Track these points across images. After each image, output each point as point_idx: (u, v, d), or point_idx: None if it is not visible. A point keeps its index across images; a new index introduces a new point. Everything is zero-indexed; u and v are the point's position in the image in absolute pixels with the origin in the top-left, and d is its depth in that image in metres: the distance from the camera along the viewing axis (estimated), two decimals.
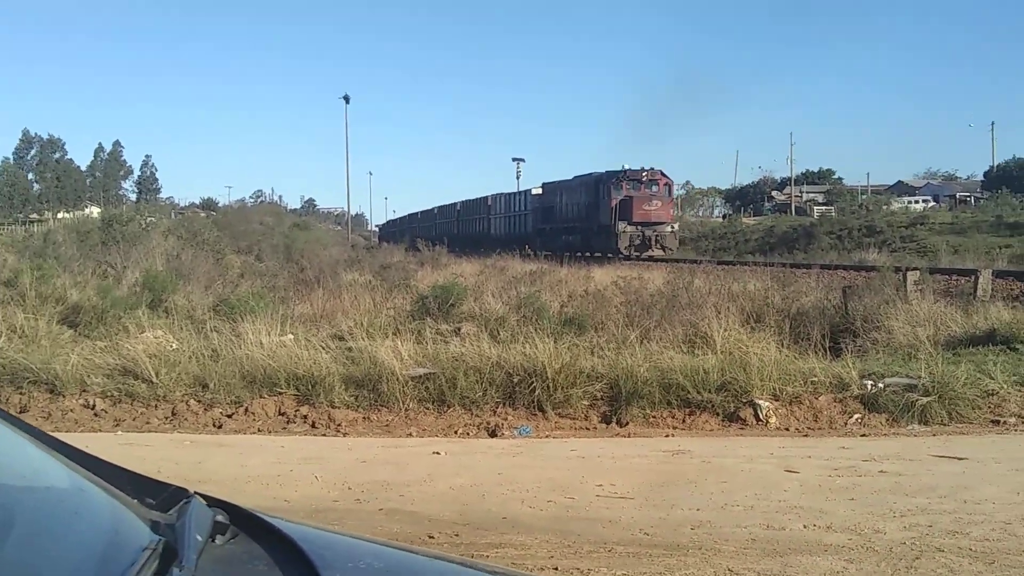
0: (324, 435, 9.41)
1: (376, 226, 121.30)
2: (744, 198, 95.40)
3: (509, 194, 57.59)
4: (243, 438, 9.23)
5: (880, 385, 9.70)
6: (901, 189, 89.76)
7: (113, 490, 1.88)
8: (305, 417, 9.84)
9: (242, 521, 1.92)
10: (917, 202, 74.54)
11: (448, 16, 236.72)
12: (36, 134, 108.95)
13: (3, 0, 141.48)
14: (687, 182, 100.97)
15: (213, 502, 1.97)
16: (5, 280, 18.65)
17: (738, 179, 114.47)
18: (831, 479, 7.03)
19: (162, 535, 1.72)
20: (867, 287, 16.36)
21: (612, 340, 11.63)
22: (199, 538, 1.72)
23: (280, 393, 10.16)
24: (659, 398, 9.64)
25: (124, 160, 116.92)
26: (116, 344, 11.46)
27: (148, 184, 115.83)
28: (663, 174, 41.30)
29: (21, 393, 10.32)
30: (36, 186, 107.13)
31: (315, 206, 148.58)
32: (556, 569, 5.11)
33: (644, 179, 40.68)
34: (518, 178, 71.33)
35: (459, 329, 13.20)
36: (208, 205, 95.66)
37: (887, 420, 9.27)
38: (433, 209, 76.73)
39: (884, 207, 64.65)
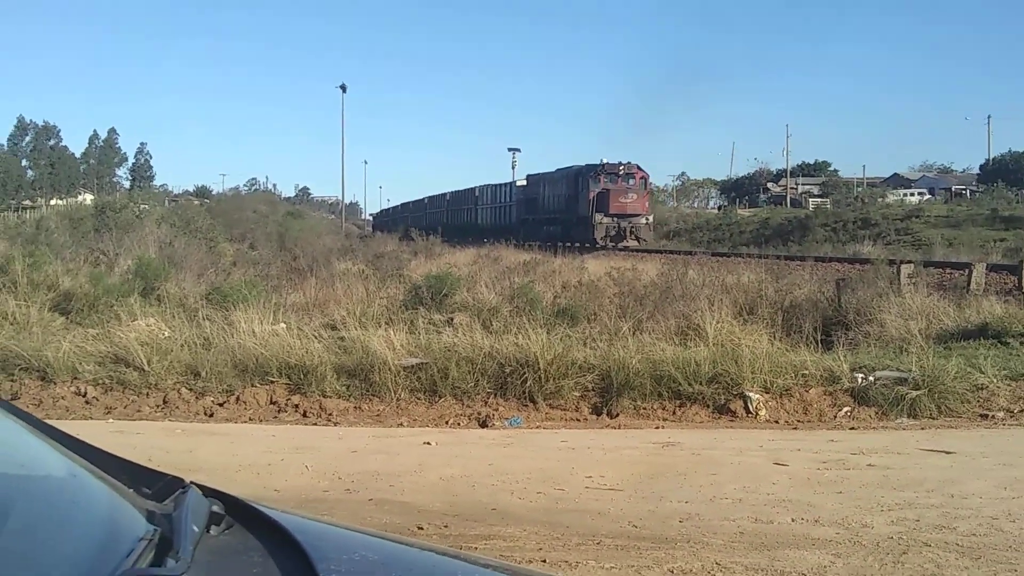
0: (315, 424, 9.43)
1: (370, 215, 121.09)
2: (740, 190, 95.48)
3: (495, 185, 58.62)
4: (234, 427, 9.25)
5: (870, 378, 9.74)
6: (897, 182, 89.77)
7: (110, 479, 1.90)
8: (296, 406, 9.86)
9: (237, 511, 1.94)
10: (912, 195, 74.68)
11: (445, 5, 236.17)
12: (31, 121, 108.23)
13: None
14: (683, 173, 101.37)
15: (208, 492, 1.99)
16: None
17: (734, 171, 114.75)
18: (820, 472, 7.07)
19: (158, 525, 1.74)
20: (861, 280, 16.37)
21: (605, 331, 11.66)
22: (195, 529, 1.73)
23: (272, 382, 10.17)
24: (650, 390, 9.67)
25: (119, 147, 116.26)
26: (108, 332, 11.45)
27: (142, 172, 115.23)
28: (639, 168, 43.04)
29: (12, 380, 10.31)
30: (30, 173, 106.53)
31: (309, 195, 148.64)
32: (544, 561, 5.13)
33: (621, 172, 42.42)
34: (513, 168, 71.12)
35: (452, 319, 13.22)
36: (202, 193, 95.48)
37: (876, 413, 9.31)
38: (424, 199, 77.39)
39: (879, 200, 64.88)
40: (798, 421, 9.29)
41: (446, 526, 5.82)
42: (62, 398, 10.02)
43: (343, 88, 66.20)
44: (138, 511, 1.83)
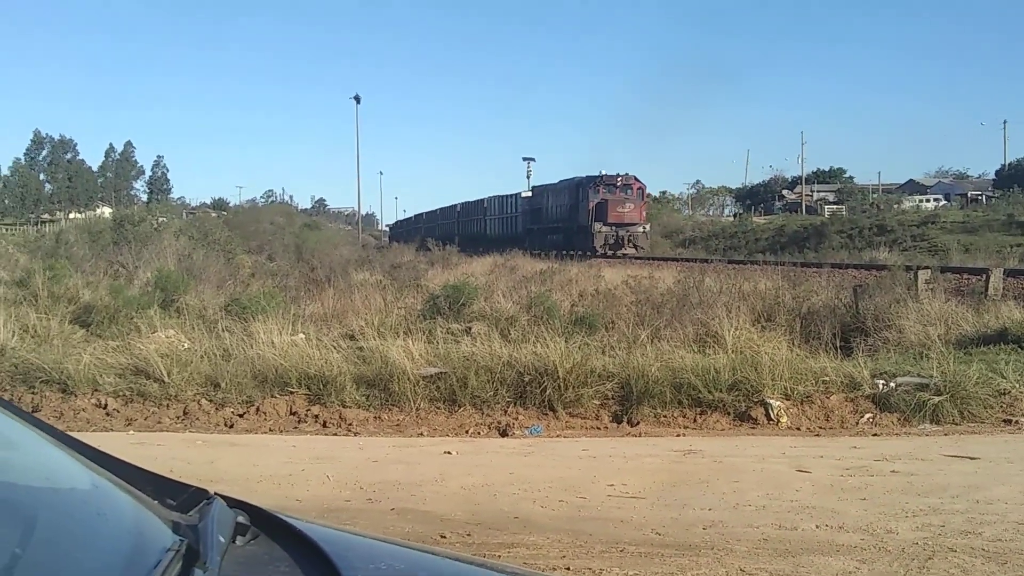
0: (335, 435, 9.43)
1: (387, 226, 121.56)
2: (755, 197, 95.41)
3: (503, 196, 60.03)
4: (255, 437, 9.26)
5: (892, 384, 9.67)
6: (912, 188, 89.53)
7: (134, 491, 1.90)
8: (316, 417, 9.87)
9: (262, 522, 1.93)
10: (928, 201, 74.44)
11: (460, 15, 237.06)
12: (47, 134, 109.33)
13: (15, 1, 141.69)
14: (697, 181, 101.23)
15: (233, 502, 1.98)
16: (17, 280, 18.78)
17: (749, 178, 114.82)
18: (843, 479, 7.02)
19: (183, 536, 1.73)
20: (878, 286, 16.30)
21: (623, 339, 11.63)
22: (222, 539, 1.73)
23: (291, 393, 10.19)
24: (670, 397, 9.63)
25: (135, 160, 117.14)
26: (128, 344, 11.50)
27: (159, 184, 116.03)
28: (636, 179, 44.59)
29: (33, 393, 10.37)
30: (48, 186, 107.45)
31: (326, 206, 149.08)
32: (568, 569, 5.12)
33: (619, 183, 44.08)
34: (528, 178, 71.29)
35: (470, 328, 13.21)
36: (219, 205, 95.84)
37: (899, 420, 9.25)
38: (436, 210, 79.03)
39: (895, 206, 64.67)
40: (820, 428, 9.23)
41: (469, 535, 5.81)
42: (83, 410, 10.06)
43: (357, 99, 66.54)
44: (163, 522, 1.83)
